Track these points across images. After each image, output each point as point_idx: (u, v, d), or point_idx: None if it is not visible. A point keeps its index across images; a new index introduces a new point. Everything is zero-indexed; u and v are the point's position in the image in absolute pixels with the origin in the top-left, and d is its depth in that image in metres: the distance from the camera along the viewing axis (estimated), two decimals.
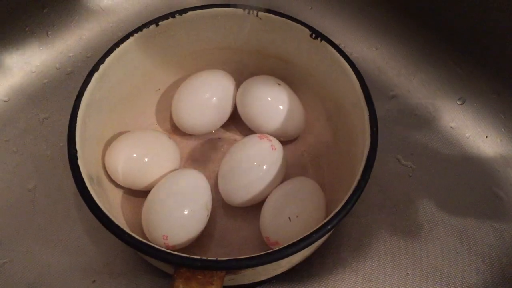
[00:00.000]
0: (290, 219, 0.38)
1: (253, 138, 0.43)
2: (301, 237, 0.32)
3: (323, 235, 0.33)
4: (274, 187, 0.42)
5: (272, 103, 0.44)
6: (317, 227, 0.33)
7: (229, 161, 0.42)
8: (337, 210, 0.33)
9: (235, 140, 0.48)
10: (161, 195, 0.40)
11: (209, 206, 0.41)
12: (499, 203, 0.47)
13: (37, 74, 0.53)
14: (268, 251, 0.32)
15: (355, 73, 0.40)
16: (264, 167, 0.41)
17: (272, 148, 0.42)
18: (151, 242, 0.37)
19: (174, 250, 0.32)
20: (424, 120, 0.51)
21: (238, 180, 0.41)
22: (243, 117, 0.46)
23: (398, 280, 0.43)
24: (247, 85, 0.46)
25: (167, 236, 0.38)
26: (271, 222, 0.40)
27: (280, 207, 0.40)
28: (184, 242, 0.39)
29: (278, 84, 0.45)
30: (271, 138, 0.43)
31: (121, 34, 0.42)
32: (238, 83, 0.47)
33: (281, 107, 0.44)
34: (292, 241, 0.32)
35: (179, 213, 0.38)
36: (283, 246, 0.32)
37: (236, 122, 0.48)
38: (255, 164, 0.41)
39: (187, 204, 0.39)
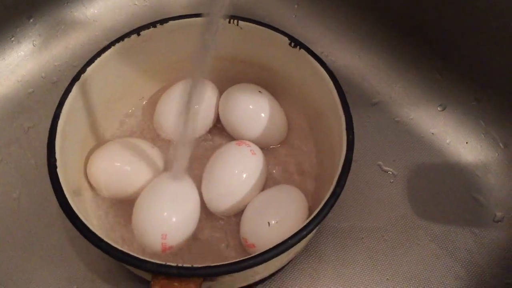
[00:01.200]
0: (269, 224, 0.39)
1: (231, 146, 0.43)
2: (277, 243, 0.33)
3: (298, 241, 0.33)
4: (257, 192, 0.42)
5: (254, 111, 0.45)
6: (293, 233, 0.33)
7: (210, 170, 0.42)
8: (312, 216, 0.34)
9: (220, 145, 0.48)
10: (155, 196, 0.40)
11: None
12: (478, 209, 0.47)
13: (22, 83, 0.54)
14: (244, 258, 0.32)
15: (332, 80, 0.40)
16: (244, 175, 0.41)
17: (252, 153, 0.42)
18: (147, 246, 0.38)
19: (171, 251, 0.32)
20: (406, 127, 0.52)
21: (221, 188, 0.42)
22: (225, 125, 0.46)
23: (378, 285, 0.43)
24: (229, 93, 0.46)
25: (166, 235, 0.38)
26: (250, 225, 0.40)
27: (260, 211, 0.40)
28: (181, 243, 0.39)
29: (260, 92, 0.46)
30: (249, 143, 0.43)
31: (107, 43, 0.42)
32: (221, 91, 0.47)
33: (262, 114, 0.45)
34: (268, 247, 0.32)
35: (179, 213, 0.39)
36: (259, 252, 0.32)
37: (221, 129, 0.48)
38: (236, 172, 0.41)
39: (185, 204, 0.40)
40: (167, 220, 0.38)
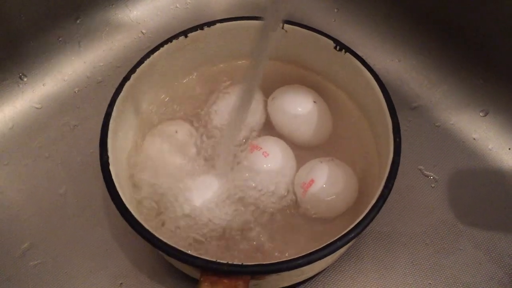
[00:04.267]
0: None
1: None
2: (324, 244, 0.33)
3: (347, 243, 0.33)
4: None
5: (301, 114, 0.45)
6: (341, 234, 0.33)
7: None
8: (360, 218, 0.34)
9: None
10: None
11: None
12: None
13: (68, 82, 0.55)
14: (293, 257, 0.32)
15: (378, 84, 0.41)
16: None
17: (265, 155, 0.42)
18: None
19: None
20: (447, 132, 0.52)
21: None
22: (274, 124, 0.46)
23: None
24: (278, 95, 0.46)
25: None
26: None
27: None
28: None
29: (309, 93, 0.46)
30: (261, 146, 0.43)
31: (150, 45, 0.43)
32: (265, 94, 0.47)
33: (309, 116, 0.45)
34: (316, 248, 0.33)
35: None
36: (308, 252, 0.33)
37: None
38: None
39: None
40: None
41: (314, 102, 0.45)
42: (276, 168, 0.42)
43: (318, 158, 0.43)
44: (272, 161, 0.42)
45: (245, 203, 0.42)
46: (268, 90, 0.47)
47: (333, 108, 0.46)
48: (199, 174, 0.43)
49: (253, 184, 0.42)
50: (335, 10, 0.60)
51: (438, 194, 0.48)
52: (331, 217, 0.41)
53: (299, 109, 0.44)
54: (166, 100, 0.47)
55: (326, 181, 0.40)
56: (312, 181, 0.40)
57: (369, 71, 0.41)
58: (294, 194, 0.42)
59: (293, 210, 0.42)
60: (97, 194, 0.48)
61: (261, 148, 0.42)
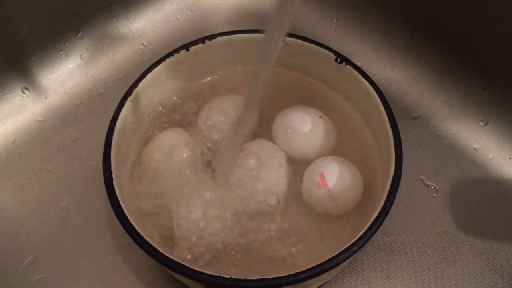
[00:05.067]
0: None
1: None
2: (327, 258, 0.33)
3: (349, 256, 0.33)
4: None
5: (307, 134, 0.44)
6: (344, 248, 0.34)
7: None
8: (363, 231, 0.34)
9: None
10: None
11: None
12: None
13: (70, 95, 0.55)
14: (296, 272, 0.33)
15: (379, 95, 0.41)
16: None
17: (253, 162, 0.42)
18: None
19: None
20: (447, 141, 0.52)
21: None
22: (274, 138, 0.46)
23: None
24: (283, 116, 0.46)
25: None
26: None
27: None
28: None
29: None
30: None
31: (151, 57, 0.44)
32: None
33: (313, 134, 0.44)
34: (318, 262, 0.33)
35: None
36: (311, 266, 0.33)
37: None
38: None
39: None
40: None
41: (320, 117, 0.44)
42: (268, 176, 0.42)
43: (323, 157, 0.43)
44: (263, 168, 0.42)
45: (246, 212, 0.41)
46: (273, 98, 0.46)
47: (338, 118, 0.46)
48: (199, 184, 0.43)
49: (250, 192, 0.41)
50: (335, 21, 0.60)
51: (439, 204, 0.48)
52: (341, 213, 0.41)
53: (301, 127, 0.44)
54: (164, 111, 0.47)
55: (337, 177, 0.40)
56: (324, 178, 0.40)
57: (369, 82, 0.42)
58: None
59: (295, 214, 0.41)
60: (99, 207, 0.48)
61: (252, 157, 0.43)
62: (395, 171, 0.37)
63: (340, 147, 0.45)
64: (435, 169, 0.50)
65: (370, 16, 0.58)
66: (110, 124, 0.40)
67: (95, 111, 0.54)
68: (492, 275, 0.44)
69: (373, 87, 0.41)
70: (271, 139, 0.45)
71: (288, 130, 0.44)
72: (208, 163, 0.44)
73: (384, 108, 0.40)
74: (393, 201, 0.35)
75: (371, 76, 0.42)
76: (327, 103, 0.47)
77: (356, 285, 0.44)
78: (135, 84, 0.42)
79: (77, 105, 0.55)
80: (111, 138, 0.39)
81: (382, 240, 0.46)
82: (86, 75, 0.57)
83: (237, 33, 0.45)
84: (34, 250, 0.46)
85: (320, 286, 0.43)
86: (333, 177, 0.40)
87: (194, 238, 0.40)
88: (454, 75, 0.54)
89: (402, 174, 0.36)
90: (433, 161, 0.51)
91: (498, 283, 0.44)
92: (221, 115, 0.45)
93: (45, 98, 0.55)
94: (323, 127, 0.44)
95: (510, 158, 0.50)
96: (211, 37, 0.45)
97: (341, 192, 0.40)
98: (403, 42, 0.57)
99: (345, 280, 0.44)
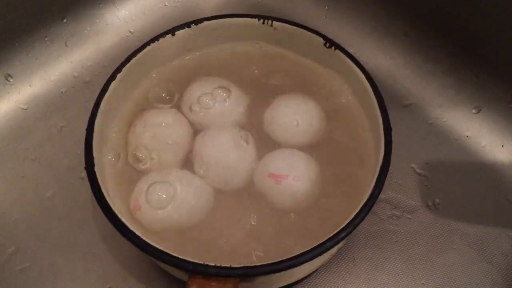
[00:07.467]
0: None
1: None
2: (315, 244, 0.32)
3: (337, 243, 0.33)
4: None
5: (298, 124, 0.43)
6: (330, 235, 0.33)
7: None
8: (350, 218, 0.33)
9: None
10: None
11: None
12: None
13: (55, 83, 0.54)
14: (282, 259, 0.32)
15: (368, 81, 0.40)
16: None
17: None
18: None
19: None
20: (439, 129, 0.51)
21: None
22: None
23: None
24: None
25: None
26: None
27: None
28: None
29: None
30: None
31: (138, 44, 0.42)
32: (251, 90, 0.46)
33: (300, 122, 0.43)
34: (306, 249, 0.32)
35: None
36: (297, 253, 0.32)
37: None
38: None
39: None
40: None
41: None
42: None
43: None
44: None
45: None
46: (263, 69, 0.46)
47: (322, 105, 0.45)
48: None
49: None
50: (326, 8, 0.59)
51: (431, 192, 0.47)
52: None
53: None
54: (149, 95, 0.45)
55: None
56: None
57: (359, 67, 0.41)
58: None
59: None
60: (84, 197, 0.47)
61: None
62: (384, 156, 0.36)
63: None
64: (427, 157, 0.49)
65: (361, 3, 0.57)
66: (93, 109, 0.39)
67: (80, 99, 0.53)
68: (483, 263, 0.44)
69: (362, 71, 0.40)
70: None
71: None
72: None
73: (373, 91, 0.39)
74: (381, 187, 0.35)
75: (362, 63, 0.41)
76: (312, 90, 0.45)
77: (346, 273, 0.43)
78: (119, 69, 0.41)
79: (62, 93, 0.54)
80: (93, 124, 0.38)
81: (371, 228, 0.45)
82: (71, 62, 0.55)
83: (224, 18, 0.44)
84: (17, 241, 0.45)
85: (309, 275, 0.42)
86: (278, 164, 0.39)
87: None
88: (446, 63, 0.53)
89: (393, 162, 0.35)
90: (424, 149, 0.50)
91: (489, 271, 0.43)
92: (205, 96, 0.44)
93: (29, 85, 0.53)
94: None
95: (502, 146, 0.49)
96: (197, 21, 0.44)
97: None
98: (395, 29, 0.56)
99: (336, 269, 0.43)
